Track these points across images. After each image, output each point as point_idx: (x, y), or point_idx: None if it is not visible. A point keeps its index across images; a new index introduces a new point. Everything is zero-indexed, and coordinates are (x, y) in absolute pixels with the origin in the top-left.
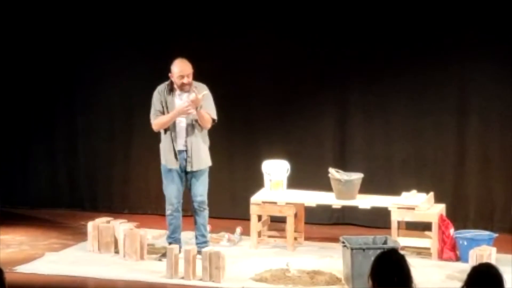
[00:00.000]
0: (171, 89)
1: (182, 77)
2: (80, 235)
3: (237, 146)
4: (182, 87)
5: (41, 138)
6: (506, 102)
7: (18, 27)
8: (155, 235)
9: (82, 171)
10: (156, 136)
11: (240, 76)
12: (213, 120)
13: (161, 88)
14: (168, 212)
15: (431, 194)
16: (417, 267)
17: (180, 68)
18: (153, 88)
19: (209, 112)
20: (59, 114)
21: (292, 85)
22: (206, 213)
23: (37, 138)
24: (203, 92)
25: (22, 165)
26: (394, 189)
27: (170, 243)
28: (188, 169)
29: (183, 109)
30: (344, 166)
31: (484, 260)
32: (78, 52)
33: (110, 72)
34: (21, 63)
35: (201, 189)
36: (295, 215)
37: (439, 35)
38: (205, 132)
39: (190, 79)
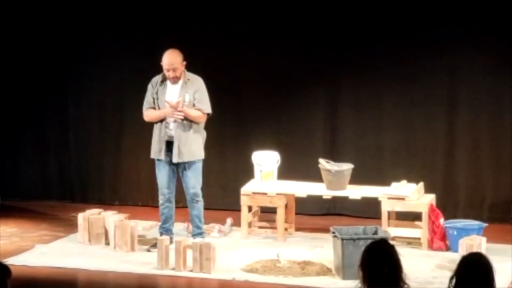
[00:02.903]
0: (163, 80)
1: (167, 70)
2: (71, 226)
3: (227, 137)
4: (171, 80)
5: (32, 130)
6: (496, 93)
7: (10, 20)
8: (146, 227)
9: (72, 163)
10: (147, 128)
11: (231, 67)
12: (207, 114)
13: (155, 79)
14: (160, 202)
15: (421, 184)
16: (407, 257)
17: (166, 61)
18: (144, 81)
19: (201, 107)
20: (50, 106)
21: (283, 76)
22: (200, 205)
23: (28, 130)
24: (194, 88)
25: (13, 157)
26: (384, 180)
27: (161, 233)
28: (175, 160)
29: (169, 114)
30: (334, 156)
31: (474, 250)
32: (69, 45)
33: (101, 64)
34: (13, 55)
35: (192, 182)
36: (286, 206)
37: (429, 26)
38: (200, 124)
39: (177, 72)
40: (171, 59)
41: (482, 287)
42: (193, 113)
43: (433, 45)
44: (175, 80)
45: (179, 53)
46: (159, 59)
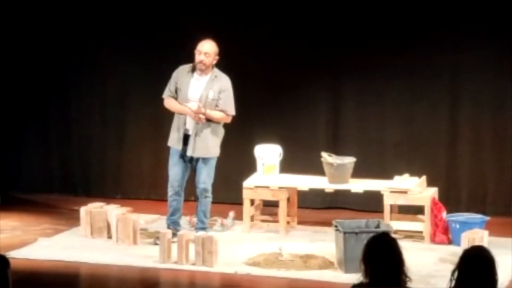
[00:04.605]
0: (191, 71)
1: (199, 52)
2: (73, 220)
3: (229, 131)
4: (198, 65)
5: (35, 123)
6: (498, 87)
7: (13, 14)
8: (148, 220)
9: (75, 156)
10: (149, 122)
11: (233, 61)
12: (232, 115)
13: (182, 68)
14: (169, 193)
15: (424, 177)
16: (409, 250)
17: (201, 44)
18: (147, 74)
19: (226, 108)
20: (52, 99)
21: (285, 69)
22: (208, 200)
23: (31, 123)
24: (220, 87)
25: (15, 150)
26: (386, 173)
27: (168, 225)
28: (189, 153)
29: (191, 115)
30: (336, 150)
31: (476, 243)
32: (71, 39)
33: (103, 58)
34: (15, 50)
35: (204, 177)
36: (288, 199)
37: (431, 21)
38: (219, 123)
39: (207, 60)
40: (207, 44)
41: (484, 280)
42: (216, 115)
43: (435, 39)
44: (202, 66)
45: (215, 44)
46: (161, 54)
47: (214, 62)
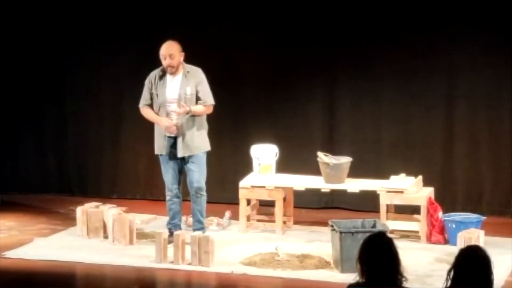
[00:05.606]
0: (162, 75)
1: (163, 57)
2: (69, 220)
3: (225, 131)
4: (168, 69)
5: (30, 123)
6: (494, 86)
7: (8, 14)
8: (144, 220)
9: (71, 156)
10: (145, 122)
11: (229, 60)
12: (212, 105)
13: (153, 74)
14: (167, 198)
15: (420, 177)
16: (405, 250)
17: (163, 48)
18: (142, 74)
19: (206, 99)
20: (48, 100)
21: (280, 69)
22: (203, 199)
23: (26, 124)
24: (195, 81)
25: (12, 151)
26: (382, 173)
27: (170, 229)
28: (180, 154)
29: (164, 128)
30: (332, 150)
31: (472, 243)
32: (67, 39)
33: (99, 58)
34: (11, 50)
35: (197, 176)
36: (284, 199)
37: (427, 21)
38: (202, 116)
39: (174, 61)
40: (168, 46)
41: (480, 280)
42: (200, 109)
43: (431, 39)
44: (172, 69)
45: (176, 43)
46: (156, 53)
47: (182, 59)
